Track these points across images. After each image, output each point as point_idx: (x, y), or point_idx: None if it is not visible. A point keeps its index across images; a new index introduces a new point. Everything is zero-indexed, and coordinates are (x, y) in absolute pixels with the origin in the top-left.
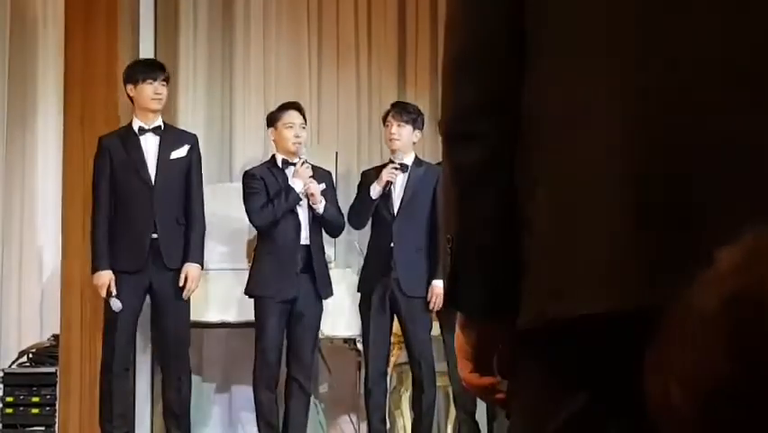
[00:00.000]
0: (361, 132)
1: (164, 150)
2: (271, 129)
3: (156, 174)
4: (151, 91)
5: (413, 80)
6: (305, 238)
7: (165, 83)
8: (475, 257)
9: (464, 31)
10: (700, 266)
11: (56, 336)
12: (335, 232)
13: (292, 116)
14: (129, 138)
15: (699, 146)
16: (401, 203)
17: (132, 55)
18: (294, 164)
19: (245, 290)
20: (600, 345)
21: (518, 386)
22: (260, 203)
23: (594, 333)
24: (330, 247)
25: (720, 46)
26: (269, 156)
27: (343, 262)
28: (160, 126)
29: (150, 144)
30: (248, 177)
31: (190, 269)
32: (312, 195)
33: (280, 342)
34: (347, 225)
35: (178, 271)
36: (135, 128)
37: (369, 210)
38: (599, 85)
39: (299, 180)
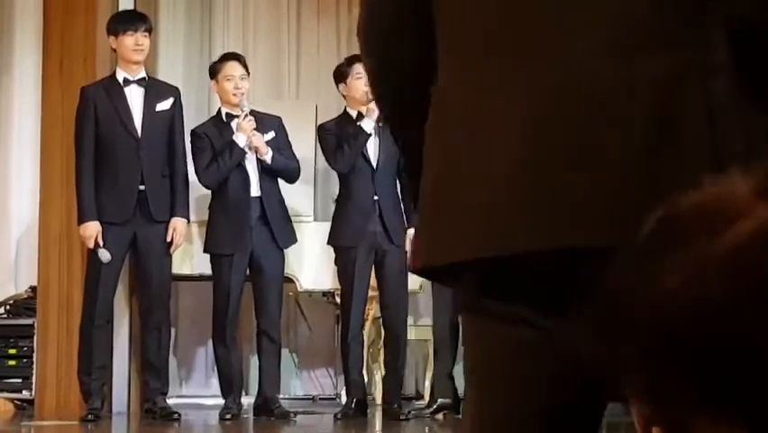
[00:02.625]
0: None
1: (149, 102)
2: (213, 82)
3: (142, 126)
4: (132, 42)
5: None
6: (255, 190)
7: (147, 34)
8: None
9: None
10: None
11: (33, 288)
12: (291, 178)
13: (233, 68)
14: (113, 89)
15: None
16: (380, 155)
17: (111, 4)
18: (238, 116)
19: (203, 247)
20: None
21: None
22: (205, 162)
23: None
24: (309, 201)
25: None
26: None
27: (322, 216)
28: (144, 78)
29: (134, 96)
30: (193, 136)
31: (177, 223)
32: (256, 148)
33: (237, 297)
34: (334, 173)
35: (164, 223)
36: (120, 79)
37: (361, 148)
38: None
39: (242, 134)
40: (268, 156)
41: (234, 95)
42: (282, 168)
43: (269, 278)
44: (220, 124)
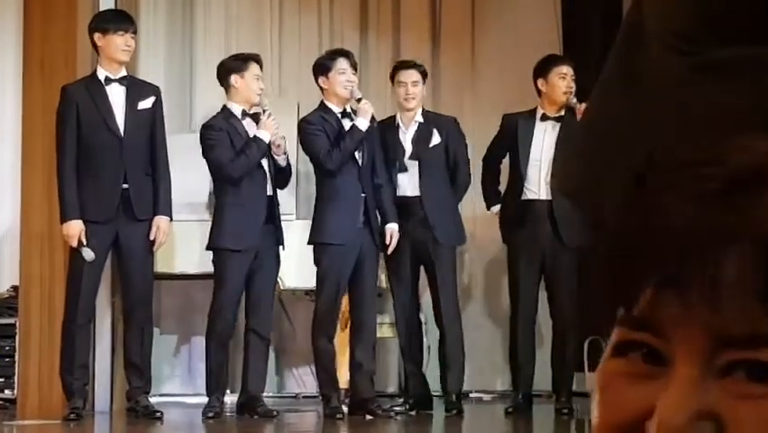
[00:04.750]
0: None
1: (131, 101)
2: (235, 76)
3: (125, 125)
4: (122, 42)
5: (375, 27)
6: (269, 189)
7: (134, 35)
8: None
9: None
10: None
11: (15, 288)
12: (285, 184)
13: (257, 69)
14: (95, 88)
15: None
16: (365, 152)
17: (92, 2)
18: (251, 115)
19: (208, 242)
20: None
21: None
22: (230, 154)
23: None
24: (291, 199)
25: None
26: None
27: (304, 214)
28: (125, 77)
29: (116, 95)
30: (208, 129)
31: (160, 222)
32: (278, 146)
33: (239, 296)
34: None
35: (146, 222)
36: (101, 78)
37: (356, 148)
38: None
39: (266, 131)
40: (283, 157)
41: (258, 94)
42: (288, 171)
43: (267, 276)
44: (233, 119)
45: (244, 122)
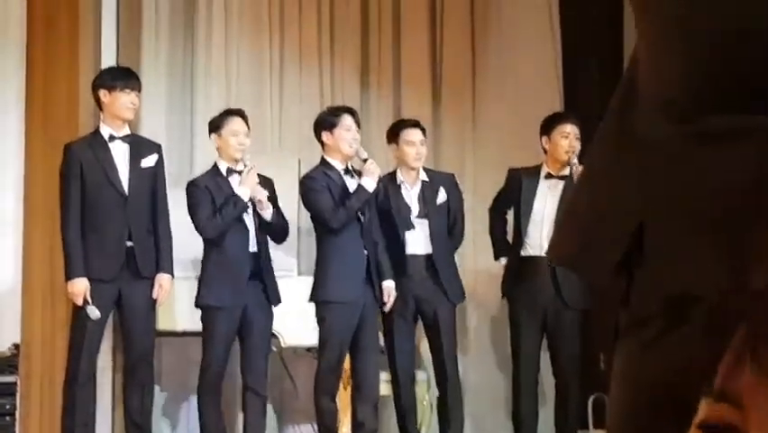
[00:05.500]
0: None
1: (134, 158)
2: (214, 135)
3: (129, 183)
4: (128, 100)
5: (376, 83)
6: (253, 246)
7: (139, 93)
8: None
9: None
10: None
11: (16, 345)
12: (281, 238)
13: (238, 123)
14: (98, 145)
15: None
16: (366, 210)
17: (94, 59)
18: (237, 172)
19: (195, 300)
20: None
21: None
22: (207, 213)
23: None
24: (293, 255)
25: None
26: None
27: (306, 270)
28: (128, 134)
29: (120, 153)
30: (192, 187)
31: (162, 279)
32: (260, 201)
33: (227, 353)
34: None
35: (149, 279)
36: (105, 135)
37: (362, 208)
38: None
39: (246, 188)
40: (268, 212)
41: (237, 150)
42: (278, 225)
43: (258, 334)
44: (219, 178)
45: (230, 178)
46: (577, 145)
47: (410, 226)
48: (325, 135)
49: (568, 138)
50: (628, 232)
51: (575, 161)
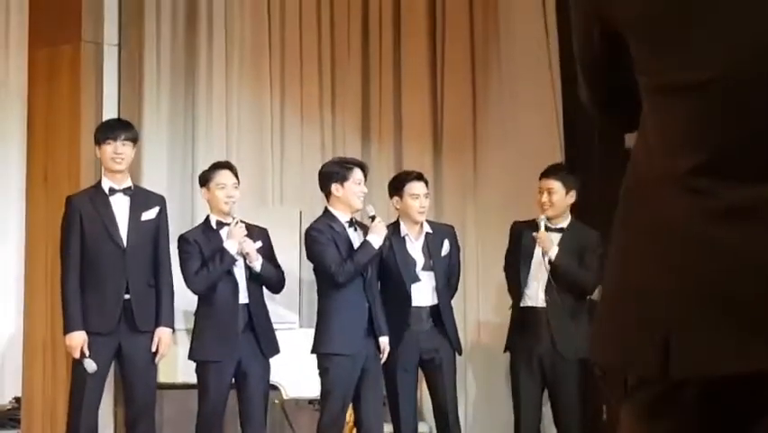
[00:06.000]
0: None
1: (134, 211)
2: (203, 189)
3: (128, 236)
4: (111, 151)
5: (377, 135)
6: (243, 298)
7: (128, 143)
8: None
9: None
10: None
11: (17, 399)
12: (276, 288)
13: (225, 176)
14: (99, 198)
15: None
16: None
17: (95, 112)
18: (227, 224)
19: (189, 353)
20: None
21: None
22: (195, 268)
23: None
24: (294, 307)
25: None
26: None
27: (308, 322)
28: (129, 187)
29: (120, 205)
30: (182, 241)
31: (162, 333)
32: (247, 254)
33: (224, 405)
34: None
35: (149, 333)
36: (105, 188)
37: (369, 264)
38: None
39: (233, 241)
40: (258, 263)
41: (226, 203)
42: (271, 276)
43: (254, 386)
44: (209, 232)
45: (221, 231)
46: (550, 200)
47: (417, 279)
48: (335, 187)
49: (542, 193)
50: (661, 345)
51: (543, 219)
